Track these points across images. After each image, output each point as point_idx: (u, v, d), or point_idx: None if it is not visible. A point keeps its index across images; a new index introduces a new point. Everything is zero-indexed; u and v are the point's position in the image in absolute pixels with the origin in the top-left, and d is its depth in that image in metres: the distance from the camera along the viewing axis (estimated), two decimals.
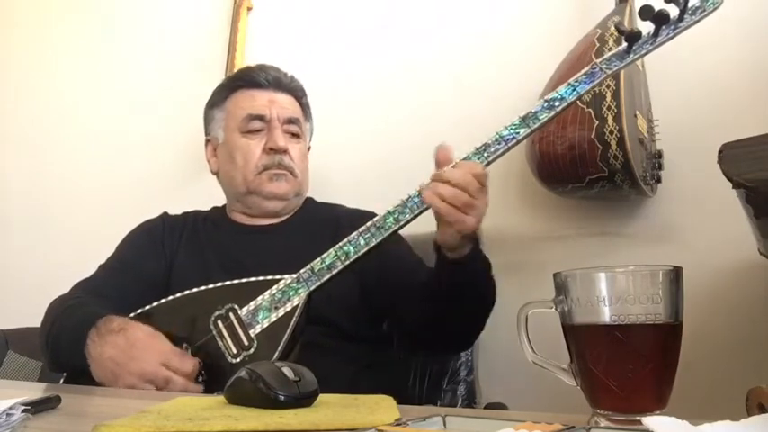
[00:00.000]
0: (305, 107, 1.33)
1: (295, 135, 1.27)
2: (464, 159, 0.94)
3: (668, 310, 0.53)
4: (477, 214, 0.91)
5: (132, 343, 0.95)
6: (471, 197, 0.90)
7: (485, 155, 0.94)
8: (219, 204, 1.34)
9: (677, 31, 0.94)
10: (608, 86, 1.19)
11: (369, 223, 0.97)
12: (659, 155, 1.30)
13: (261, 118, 1.23)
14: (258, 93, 1.26)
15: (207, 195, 1.33)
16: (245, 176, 1.22)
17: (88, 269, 1.21)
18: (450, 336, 1.09)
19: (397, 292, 1.11)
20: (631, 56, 0.95)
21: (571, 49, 1.30)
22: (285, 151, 1.23)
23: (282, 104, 1.26)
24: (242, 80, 1.29)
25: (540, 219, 1.45)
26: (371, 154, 1.63)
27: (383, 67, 1.68)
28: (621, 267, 0.54)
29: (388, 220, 0.97)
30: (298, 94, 1.31)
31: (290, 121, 1.26)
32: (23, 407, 0.59)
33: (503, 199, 1.48)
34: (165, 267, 1.20)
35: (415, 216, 0.97)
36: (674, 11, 0.93)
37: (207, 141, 1.33)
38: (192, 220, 1.30)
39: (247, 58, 1.79)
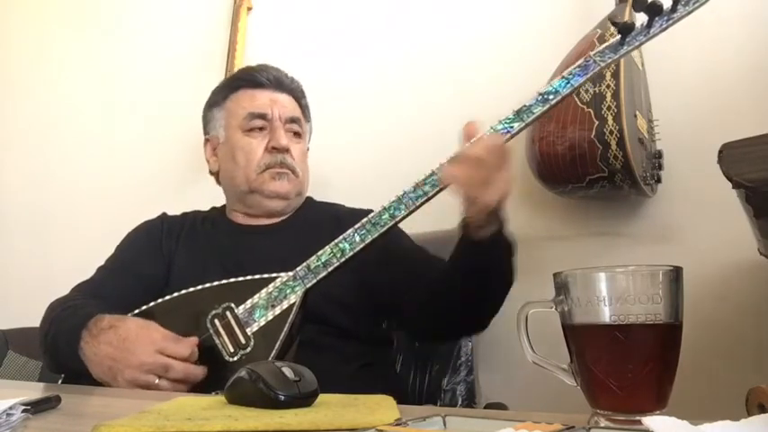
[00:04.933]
0: (304, 108, 1.33)
1: (296, 134, 1.27)
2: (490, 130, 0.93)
3: (668, 310, 0.53)
4: (496, 189, 0.88)
5: (125, 337, 0.94)
6: (486, 172, 0.87)
7: None
8: (218, 205, 1.34)
9: (671, 21, 0.93)
10: (608, 86, 1.19)
11: (364, 220, 0.97)
12: (659, 155, 1.30)
13: (263, 116, 1.23)
14: (259, 92, 1.26)
15: (207, 196, 1.33)
16: (248, 175, 1.22)
17: (88, 269, 1.21)
18: (465, 319, 1.07)
19: (403, 286, 1.10)
20: (625, 47, 0.94)
21: (571, 49, 1.30)
22: (287, 150, 1.23)
23: (284, 104, 1.26)
24: (243, 80, 1.29)
25: (540, 219, 1.45)
26: (371, 154, 1.63)
27: (383, 67, 1.68)
28: (621, 267, 0.54)
29: (383, 217, 0.97)
30: (297, 95, 1.31)
31: (292, 120, 1.26)
32: (23, 407, 0.59)
33: None
34: (164, 268, 1.20)
35: (411, 212, 0.96)
36: (667, 2, 0.93)
37: (206, 141, 1.32)
38: (191, 220, 1.30)
39: (247, 58, 1.79)
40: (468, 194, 0.90)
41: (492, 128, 0.94)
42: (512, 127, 0.94)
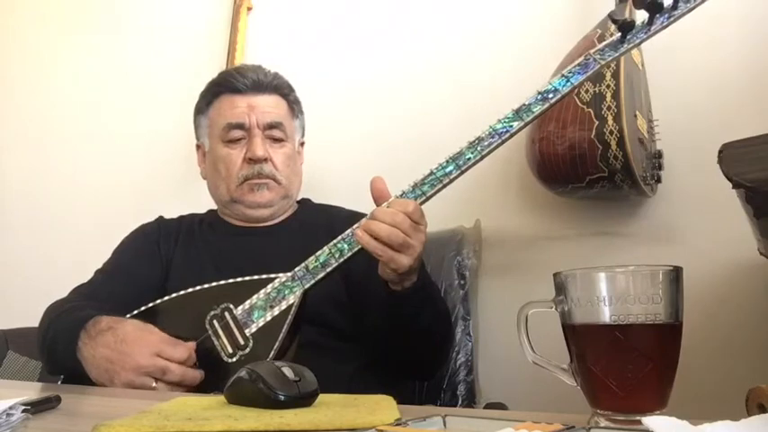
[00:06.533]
0: (292, 103, 1.30)
1: (278, 140, 1.25)
2: (400, 195, 0.95)
3: (668, 310, 0.53)
4: (412, 253, 0.91)
5: (122, 339, 0.94)
6: (404, 236, 0.90)
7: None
8: (215, 207, 1.34)
9: (671, 19, 0.93)
10: (608, 86, 1.19)
11: (362, 220, 0.97)
12: (659, 155, 1.30)
13: (240, 126, 1.22)
14: (238, 98, 1.24)
15: (207, 196, 1.33)
16: (228, 186, 1.23)
17: (88, 269, 1.21)
18: (404, 364, 1.09)
19: (366, 309, 1.11)
20: (625, 45, 0.94)
21: (571, 49, 1.30)
22: (266, 160, 1.21)
23: (263, 108, 1.23)
24: (222, 85, 1.27)
25: (540, 219, 1.45)
26: (370, 154, 1.63)
27: (382, 67, 1.68)
28: (621, 267, 0.54)
29: None
30: (283, 91, 1.28)
31: (272, 125, 1.23)
32: (23, 407, 0.59)
33: (503, 199, 1.49)
34: (162, 271, 1.20)
35: None
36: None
37: (197, 147, 1.33)
38: (188, 222, 1.30)
39: (247, 57, 1.79)
40: (383, 258, 0.91)
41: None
42: (511, 126, 0.94)
